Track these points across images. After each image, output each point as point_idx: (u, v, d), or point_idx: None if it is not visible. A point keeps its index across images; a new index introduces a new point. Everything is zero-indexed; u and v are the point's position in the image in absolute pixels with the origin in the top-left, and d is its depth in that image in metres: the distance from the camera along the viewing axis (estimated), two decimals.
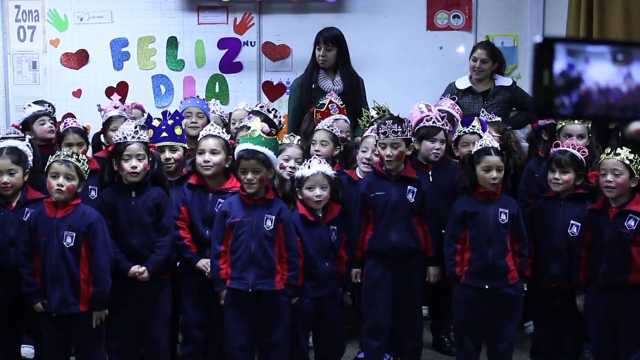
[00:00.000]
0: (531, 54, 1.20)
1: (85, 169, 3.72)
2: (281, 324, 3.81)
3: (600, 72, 1.18)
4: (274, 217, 3.77)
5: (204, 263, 3.93)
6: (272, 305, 3.79)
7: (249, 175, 3.75)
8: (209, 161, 3.98)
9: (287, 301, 3.83)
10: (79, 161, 3.69)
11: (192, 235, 3.99)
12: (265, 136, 3.81)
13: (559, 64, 1.17)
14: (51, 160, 3.69)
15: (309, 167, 3.93)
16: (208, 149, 3.99)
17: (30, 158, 3.96)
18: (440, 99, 5.11)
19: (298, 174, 3.94)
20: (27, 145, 4.03)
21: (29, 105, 4.84)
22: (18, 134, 4.36)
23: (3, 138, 4.18)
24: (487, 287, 3.89)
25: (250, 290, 3.73)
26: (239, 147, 3.83)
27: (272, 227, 3.76)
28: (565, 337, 4.07)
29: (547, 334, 4.12)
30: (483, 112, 4.79)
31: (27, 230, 3.70)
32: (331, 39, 5.29)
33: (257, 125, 3.87)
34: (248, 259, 3.73)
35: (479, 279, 3.90)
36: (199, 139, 4.10)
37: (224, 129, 4.84)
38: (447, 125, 4.39)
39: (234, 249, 3.77)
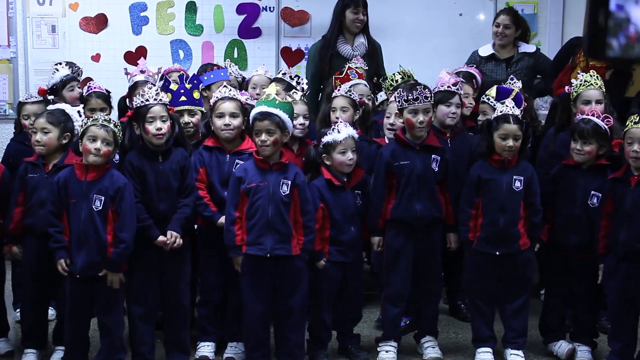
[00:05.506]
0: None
1: (119, 136, 3.74)
2: (299, 289, 3.81)
3: None
4: (289, 182, 3.75)
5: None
6: (289, 270, 3.78)
7: (263, 137, 3.72)
8: (229, 124, 3.97)
9: (303, 266, 3.83)
10: (116, 126, 3.71)
11: (211, 196, 3.98)
12: (280, 99, 3.81)
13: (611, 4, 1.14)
14: (89, 123, 3.68)
15: (338, 131, 3.92)
16: (228, 112, 3.98)
17: (78, 124, 3.92)
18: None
19: (327, 139, 3.92)
20: (79, 112, 4.05)
21: (56, 70, 4.82)
22: (38, 98, 4.40)
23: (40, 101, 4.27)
24: (497, 253, 3.91)
25: (268, 255, 3.72)
26: (254, 111, 3.82)
27: (288, 192, 3.74)
28: (582, 306, 4.07)
29: (558, 302, 4.13)
30: (512, 78, 4.73)
31: (55, 190, 3.70)
32: (364, 2, 5.30)
33: (272, 90, 3.87)
34: (265, 225, 3.71)
35: (490, 246, 3.91)
36: (213, 101, 4.06)
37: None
38: (461, 90, 4.38)
39: (250, 215, 3.75)
